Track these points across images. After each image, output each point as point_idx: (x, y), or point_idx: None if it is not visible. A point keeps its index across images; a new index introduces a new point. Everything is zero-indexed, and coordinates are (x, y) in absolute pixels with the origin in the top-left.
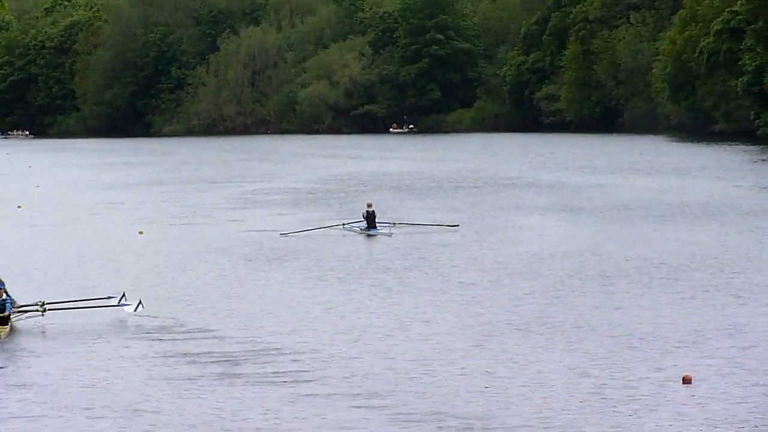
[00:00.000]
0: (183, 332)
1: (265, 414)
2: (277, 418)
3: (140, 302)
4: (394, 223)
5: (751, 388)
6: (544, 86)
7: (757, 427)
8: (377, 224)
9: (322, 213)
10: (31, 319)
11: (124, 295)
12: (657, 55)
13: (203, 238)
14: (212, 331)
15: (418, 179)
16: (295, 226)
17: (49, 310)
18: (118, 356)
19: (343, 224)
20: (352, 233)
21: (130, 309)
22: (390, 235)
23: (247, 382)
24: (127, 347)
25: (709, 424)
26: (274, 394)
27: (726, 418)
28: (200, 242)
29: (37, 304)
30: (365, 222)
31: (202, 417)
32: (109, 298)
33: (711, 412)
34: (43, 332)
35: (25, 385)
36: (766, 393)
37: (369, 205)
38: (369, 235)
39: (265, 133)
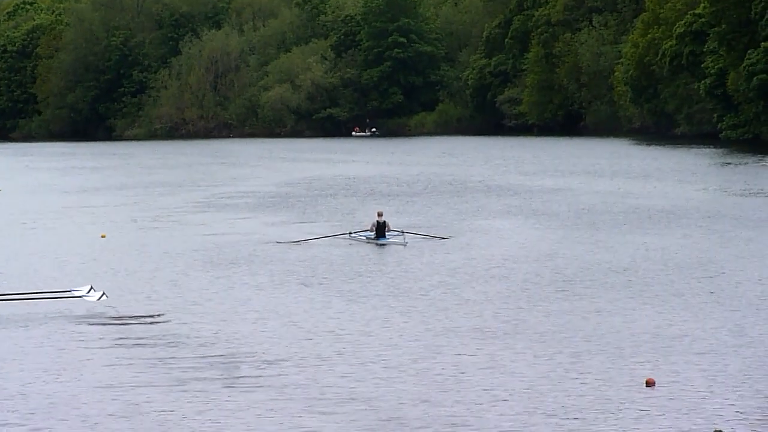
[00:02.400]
0: (145, 337)
1: (227, 418)
2: (243, 423)
3: (104, 293)
4: (402, 231)
5: (714, 392)
6: (506, 89)
7: (720, 430)
8: (387, 234)
9: (287, 216)
10: None
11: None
12: (619, 58)
13: (166, 242)
14: (174, 335)
15: (381, 183)
16: (265, 231)
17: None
18: (78, 359)
19: (350, 233)
20: (358, 242)
21: (92, 299)
22: (405, 244)
23: (211, 387)
24: (86, 347)
25: (672, 427)
26: (238, 398)
27: (689, 421)
28: (163, 246)
29: None
30: (374, 232)
31: (164, 422)
32: (65, 291)
33: (674, 415)
34: None
35: None
36: (728, 396)
37: (380, 214)
38: (379, 245)
39: (228, 136)
